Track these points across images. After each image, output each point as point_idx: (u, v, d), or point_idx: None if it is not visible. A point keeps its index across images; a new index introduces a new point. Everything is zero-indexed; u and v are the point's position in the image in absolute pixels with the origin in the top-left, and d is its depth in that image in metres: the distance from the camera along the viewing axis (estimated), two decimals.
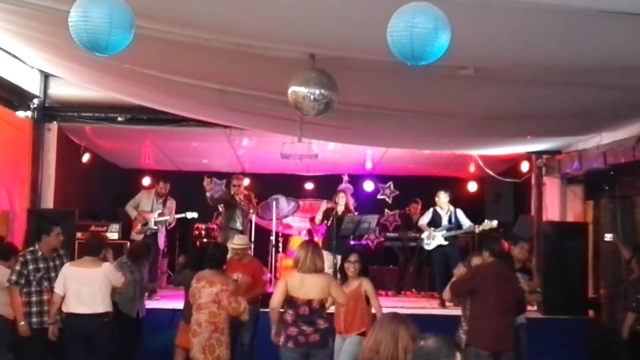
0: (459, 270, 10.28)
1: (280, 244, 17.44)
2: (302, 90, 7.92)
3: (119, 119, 14.85)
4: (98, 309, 10.09)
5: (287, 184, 19.28)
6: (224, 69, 9.57)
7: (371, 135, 13.74)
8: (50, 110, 14.86)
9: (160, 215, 15.69)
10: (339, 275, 11.27)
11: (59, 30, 7.11)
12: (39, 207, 14.55)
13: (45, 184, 14.87)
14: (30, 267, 10.44)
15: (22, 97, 14.12)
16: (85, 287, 10.05)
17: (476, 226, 15.32)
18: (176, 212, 16.10)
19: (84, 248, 10.45)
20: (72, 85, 14.33)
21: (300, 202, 19.21)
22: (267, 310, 11.09)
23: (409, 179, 19.88)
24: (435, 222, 15.67)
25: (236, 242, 11.66)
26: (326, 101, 7.99)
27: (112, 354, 10.39)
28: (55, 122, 15.03)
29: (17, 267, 10.42)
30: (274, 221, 16.59)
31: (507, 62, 7.82)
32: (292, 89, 7.99)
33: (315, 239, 16.11)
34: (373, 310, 10.22)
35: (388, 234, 18.70)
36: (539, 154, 15.66)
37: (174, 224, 16.32)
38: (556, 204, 15.85)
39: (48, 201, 14.86)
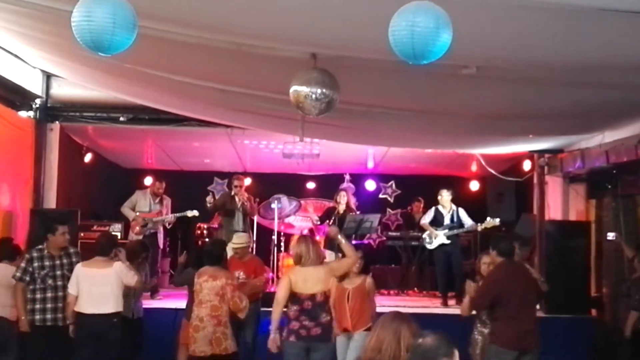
0: (470, 286, 10.16)
1: (282, 243, 17.43)
2: (304, 89, 7.92)
3: (121, 118, 14.85)
4: (108, 309, 10.11)
5: (289, 183, 19.29)
6: (225, 68, 9.57)
7: (373, 134, 13.73)
8: (52, 110, 14.86)
9: (158, 214, 15.64)
10: None
11: (61, 30, 7.11)
12: (41, 207, 14.56)
13: (47, 184, 14.87)
14: (35, 264, 10.53)
15: (25, 97, 14.12)
16: (96, 288, 10.06)
17: (478, 224, 15.31)
18: (172, 210, 16.04)
19: (95, 248, 10.43)
20: (74, 85, 14.33)
21: (302, 202, 19.21)
22: (267, 309, 11.17)
23: (411, 178, 19.91)
24: (437, 221, 15.64)
25: (235, 241, 11.67)
26: (328, 100, 7.99)
27: (118, 354, 10.39)
28: (57, 122, 15.05)
29: (23, 264, 10.54)
30: (276, 220, 16.60)
31: (509, 61, 7.81)
32: (294, 88, 7.99)
33: (317, 238, 16.13)
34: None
35: (390, 233, 18.74)
36: (541, 152, 15.64)
37: (174, 222, 16.24)
38: (558, 202, 15.84)
39: (50, 201, 14.87)
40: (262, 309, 11.71)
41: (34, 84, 14.18)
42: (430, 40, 5.06)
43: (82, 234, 14.44)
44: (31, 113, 14.49)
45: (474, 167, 18.13)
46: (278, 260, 16.71)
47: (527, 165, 16.57)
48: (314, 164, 17.73)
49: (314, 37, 7.56)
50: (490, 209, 19.03)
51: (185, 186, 18.69)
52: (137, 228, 15.26)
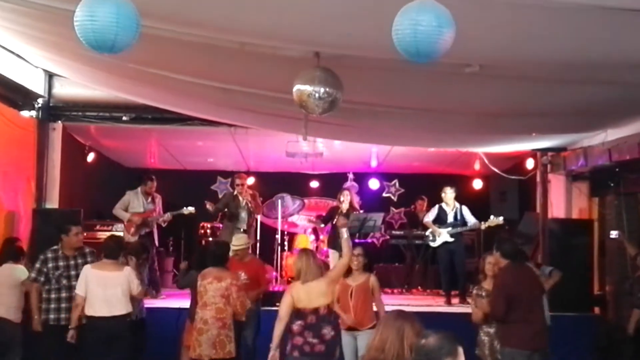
0: (482, 303, 10.08)
1: (285, 243, 17.43)
2: (307, 88, 7.92)
3: (124, 118, 14.83)
4: (121, 311, 10.12)
5: (292, 183, 19.31)
6: (228, 67, 9.57)
7: (376, 133, 13.73)
8: (54, 110, 14.84)
9: (153, 213, 15.49)
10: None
11: (63, 29, 7.12)
12: (44, 206, 14.56)
13: (50, 184, 14.85)
14: (50, 265, 10.60)
15: (27, 97, 14.11)
16: (109, 290, 10.05)
17: (482, 223, 15.29)
18: (168, 208, 15.92)
19: (103, 250, 10.42)
20: (76, 85, 14.32)
21: (306, 201, 19.22)
22: (267, 308, 11.17)
23: (414, 176, 19.90)
24: (440, 219, 15.63)
25: (235, 242, 11.62)
26: (331, 99, 7.99)
27: (127, 355, 10.41)
28: (59, 121, 15.03)
29: (37, 265, 10.61)
30: (280, 220, 16.60)
31: (512, 59, 7.81)
32: (297, 87, 7.98)
33: (321, 237, 16.13)
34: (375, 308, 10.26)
35: (394, 232, 18.76)
36: (544, 151, 15.62)
37: (170, 220, 16.05)
38: (561, 201, 15.83)
39: (53, 201, 14.85)
40: (263, 308, 11.73)
41: (36, 84, 14.17)
42: (433, 38, 5.06)
43: (85, 234, 14.43)
44: (33, 113, 14.48)
45: (477, 166, 18.11)
46: (281, 259, 16.72)
47: (530, 163, 16.55)
48: (318, 163, 17.76)
49: (317, 36, 7.56)
50: (493, 208, 19.03)
51: (189, 185, 18.70)
52: (133, 229, 14.99)
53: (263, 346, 10.43)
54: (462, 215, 15.50)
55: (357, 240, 15.33)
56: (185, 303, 11.42)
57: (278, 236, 16.54)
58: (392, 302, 13.59)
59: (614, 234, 13.83)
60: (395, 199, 19.90)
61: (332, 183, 19.36)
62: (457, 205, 15.63)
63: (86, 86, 14.14)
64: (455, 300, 14.92)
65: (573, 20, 6.43)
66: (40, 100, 14.46)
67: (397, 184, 19.95)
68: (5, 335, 10.92)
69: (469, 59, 7.86)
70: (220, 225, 17.17)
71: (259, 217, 16.49)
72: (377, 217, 15.69)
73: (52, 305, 10.53)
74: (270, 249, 16.49)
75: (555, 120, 11.62)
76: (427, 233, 15.84)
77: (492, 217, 15.27)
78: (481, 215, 15.59)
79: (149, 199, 15.45)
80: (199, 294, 9.92)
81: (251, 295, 10.80)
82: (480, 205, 17.86)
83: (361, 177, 20.01)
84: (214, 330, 9.70)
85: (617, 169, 13.50)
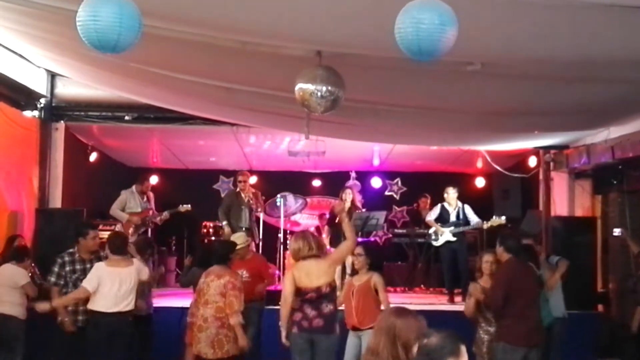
0: (475, 288, 10.12)
1: (288, 241, 17.42)
2: (309, 87, 7.93)
3: (126, 117, 14.85)
4: (128, 307, 10.09)
5: (295, 181, 19.31)
6: (230, 67, 9.57)
7: (378, 131, 13.73)
8: (57, 110, 14.87)
9: (149, 211, 15.43)
10: (347, 270, 11.21)
11: (66, 29, 7.13)
12: (46, 206, 14.58)
13: (52, 184, 14.87)
14: (67, 268, 10.53)
15: (29, 97, 14.13)
16: (123, 286, 10.04)
17: (484, 222, 15.29)
18: (165, 206, 15.88)
19: (110, 247, 10.37)
20: (78, 85, 14.34)
21: (308, 199, 19.21)
22: (270, 307, 11.17)
23: (417, 175, 19.92)
24: (442, 218, 15.63)
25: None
26: (333, 98, 7.99)
27: (129, 350, 10.42)
28: (62, 121, 15.05)
29: (56, 269, 10.52)
30: (282, 218, 16.59)
31: (514, 57, 7.81)
32: (299, 86, 7.99)
33: (324, 236, 16.12)
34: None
35: (396, 231, 18.76)
36: (547, 148, 15.62)
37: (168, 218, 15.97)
38: (564, 198, 15.83)
39: (56, 201, 14.88)
40: (267, 307, 11.72)
41: (38, 84, 14.20)
42: (435, 36, 5.07)
43: None
44: (36, 113, 14.50)
45: (479, 164, 18.13)
46: (284, 258, 16.72)
47: (532, 161, 16.55)
48: (320, 161, 17.77)
49: (319, 35, 7.56)
50: (496, 206, 19.03)
51: (191, 184, 18.71)
52: (132, 229, 14.71)
53: (265, 343, 10.45)
54: (464, 214, 15.49)
55: (359, 239, 15.33)
56: (188, 302, 11.41)
57: (281, 235, 16.52)
58: (395, 300, 13.53)
59: (617, 231, 13.82)
60: (397, 197, 19.94)
61: (335, 182, 19.37)
62: (460, 204, 15.63)
63: (88, 86, 14.16)
64: (458, 299, 14.90)
65: (575, 18, 6.43)
66: (42, 100, 14.49)
67: (399, 183, 19.98)
68: (9, 331, 10.93)
69: (471, 57, 7.85)
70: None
71: (261, 216, 16.48)
72: (380, 216, 15.69)
73: (70, 308, 10.44)
74: (273, 248, 16.48)
75: (557, 118, 11.61)
76: (430, 232, 15.85)
77: (494, 217, 15.26)
78: (484, 213, 15.60)
79: (145, 198, 15.41)
80: (202, 291, 9.92)
81: (256, 291, 10.82)
82: (483, 203, 17.86)
83: (363, 176, 20.04)
84: (213, 330, 9.69)
85: (620, 167, 13.50)
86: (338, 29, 7.20)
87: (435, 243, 15.72)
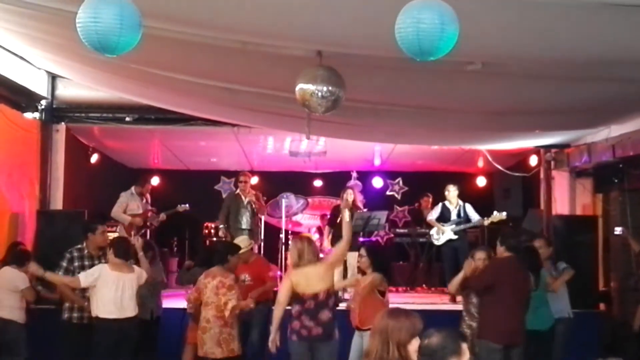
0: (468, 265, 10.19)
1: (289, 242, 17.40)
2: (310, 87, 7.93)
3: (127, 119, 14.85)
4: (132, 313, 10.10)
5: (296, 182, 19.32)
6: (231, 67, 9.58)
7: (379, 131, 13.73)
8: (57, 112, 14.87)
9: (150, 212, 15.43)
10: (349, 272, 11.16)
11: (66, 31, 7.13)
12: (48, 208, 14.57)
13: (54, 185, 14.88)
14: (76, 264, 10.50)
15: (30, 99, 14.13)
16: (125, 292, 10.03)
17: (485, 219, 15.31)
18: (155, 206, 15.88)
19: (115, 252, 10.34)
20: (79, 86, 14.34)
21: (310, 200, 19.22)
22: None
23: (418, 174, 19.91)
24: (444, 217, 15.65)
25: None
26: (334, 98, 7.99)
27: (134, 355, 10.43)
28: (63, 123, 15.04)
29: (64, 264, 10.48)
30: (283, 219, 16.59)
31: (514, 56, 7.81)
32: (300, 86, 7.99)
33: (324, 237, 16.12)
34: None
35: (398, 230, 18.75)
36: (548, 147, 15.62)
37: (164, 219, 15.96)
38: (565, 197, 15.83)
39: (57, 202, 14.88)
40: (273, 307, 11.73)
41: (39, 85, 14.19)
42: (435, 36, 5.07)
43: None
44: (37, 114, 14.51)
45: (480, 163, 18.13)
46: (286, 258, 16.70)
47: (533, 160, 16.55)
48: (321, 161, 17.79)
49: (319, 35, 7.56)
50: (497, 205, 18.97)
51: (192, 185, 18.71)
52: (133, 231, 14.62)
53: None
54: (465, 212, 15.52)
55: (361, 239, 15.34)
56: None
57: (282, 235, 16.52)
58: (397, 300, 13.53)
59: (618, 230, 13.81)
60: (399, 197, 19.91)
61: (336, 182, 19.36)
62: (461, 202, 15.66)
63: (89, 87, 14.17)
64: (460, 298, 14.88)
65: (575, 17, 6.43)
66: (43, 102, 14.49)
67: (400, 182, 19.95)
68: (9, 335, 10.93)
69: (471, 56, 7.85)
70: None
71: (262, 218, 16.47)
72: (381, 216, 15.67)
73: (76, 304, 10.51)
74: (275, 249, 16.47)
75: (558, 117, 11.61)
76: (432, 231, 15.86)
77: (495, 212, 15.28)
78: (485, 213, 15.59)
79: (144, 200, 15.41)
80: (198, 291, 10.02)
81: (254, 294, 10.80)
82: (484, 202, 17.84)
83: (365, 176, 20.02)
84: (216, 329, 9.77)
85: (620, 165, 13.50)
86: (339, 29, 7.21)
87: (436, 242, 15.75)
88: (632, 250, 13.16)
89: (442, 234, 15.52)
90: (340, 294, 14.03)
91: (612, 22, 6.52)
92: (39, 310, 11.75)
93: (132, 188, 15.24)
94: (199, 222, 18.39)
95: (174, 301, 13.74)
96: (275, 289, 12.13)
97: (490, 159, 16.30)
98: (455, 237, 15.39)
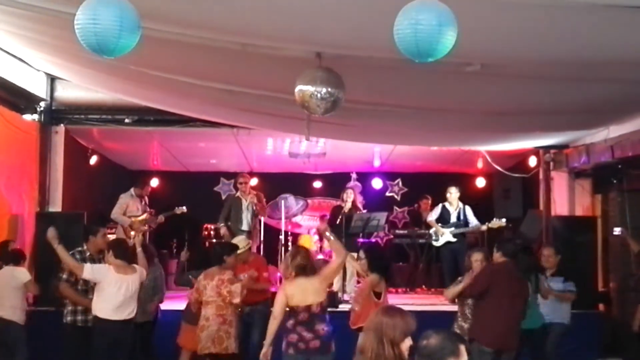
0: (471, 275, 10.20)
1: (289, 243, 17.41)
2: (309, 88, 7.92)
3: (126, 120, 14.85)
4: (130, 315, 10.13)
5: (296, 183, 19.33)
6: (230, 68, 9.57)
7: (379, 132, 13.73)
8: (57, 113, 14.87)
9: (149, 214, 15.44)
10: (348, 274, 11.12)
11: (65, 32, 7.12)
12: (47, 210, 14.58)
13: (53, 187, 14.88)
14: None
15: (29, 101, 14.13)
16: (127, 294, 10.05)
17: (485, 224, 15.32)
18: (153, 208, 15.89)
19: (113, 250, 10.35)
20: (78, 88, 14.35)
21: (309, 201, 19.23)
22: None
23: (417, 175, 19.93)
24: (443, 218, 15.67)
25: None
26: (333, 99, 7.98)
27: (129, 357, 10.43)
28: (62, 124, 15.06)
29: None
30: (283, 220, 16.60)
31: (513, 58, 7.81)
32: (299, 87, 7.98)
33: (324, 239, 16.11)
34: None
35: (397, 231, 18.76)
36: (547, 148, 15.62)
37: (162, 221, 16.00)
38: (564, 198, 15.83)
39: (56, 204, 14.88)
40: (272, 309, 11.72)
41: (38, 87, 14.19)
42: (433, 38, 5.07)
43: None
44: (36, 116, 14.51)
45: (480, 164, 18.13)
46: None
47: (532, 161, 16.55)
48: (321, 163, 17.79)
49: (318, 36, 7.56)
50: (497, 206, 19.03)
51: (192, 187, 18.72)
52: (132, 234, 14.71)
53: (273, 345, 10.44)
54: (465, 215, 15.55)
55: (360, 240, 15.35)
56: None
57: (282, 237, 16.52)
58: (396, 301, 13.51)
59: (617, 230, 13.82)
60: (398, 198, 19.95)
61: (335, 183, 19.37)
62: (461, 205, 15.68)
63: (88, 89, 14.18)
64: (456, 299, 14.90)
65: (574, 18, 6.43)
66: (42, 104, 14.49)
67: (400, 183, 19.99)
68: (10, 336, 10.94)
69: (470, 58, 7.86)
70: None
71: (262, 219, 16.46)
72: (381, 217, 15.68)
73: (80, 308, 10.45)
74: (274, 250, 16.48)
75: (557, 117, 11.62)
76: (431, 232, 15.87)
77: (495, 219, 15.29)
78: (485, 214, 15.64)
79: (143, 202, 15.42)
80: (197, 291, 10.07)
81: (252, 286, 10.78)
82: (483, 203, 17.88)
83: (364, 177, 20.04)
84: (215, 326, 9.85)
85: (619, 166, 13.49)
86: (338, 31, 7.21)
87: (435, 243, 15.78)
88: (632, 250, 13.18)
89: (441, 236, 15.55)
90: (340, 294, 14.07)
91: (611, 23, 6.52)
92: (39, 312, 11.76)
93: (132, 190, 15.29)
94: (199, 224, 18.39)
95: (172, 303, 13.75)
96: (274, 289, 12.15)
97: (489, 159, 16.30)
98: (454, 239, 15.40)
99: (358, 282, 14.35)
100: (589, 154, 13.86)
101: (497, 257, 9.92)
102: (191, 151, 18.41)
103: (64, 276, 10.47)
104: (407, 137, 14.39)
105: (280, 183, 18.62)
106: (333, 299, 12.85)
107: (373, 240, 17.29)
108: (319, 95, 7.89)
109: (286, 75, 8.28)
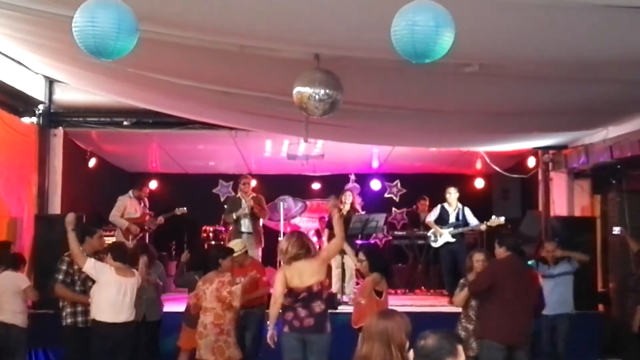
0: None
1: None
2: (307, 90, 7.92)
3: (125, 123, 14.86)
4: (129, 317, 10.13)
5: (294, 185, 19.31)
6: (228, 70, 9.57)
7: (377, 134, 13.73)
8: (55, 116, 14.88)
9: (148, 216, 15.44)
10: (347, 274, 11.10)
11: (63, 35, 7.11)
12: (46, 212, 14.57)
13: (51, 190, 14.88)
14: (76, 267, 10.41)
15: (27, 103, 14.14)
16: (126, 297, 10.05)
17: (484, 223, 15.30)
18: (153, 210, 15.88)
19: (112, 253, 10.34)
20: (77, 90, 14.36)
21: (308, 203, 19.22)
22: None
23: (416, 177, 19.91)
24: (442, 219, 15.65)
25: None
26: (331, 101, 7.98)
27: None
28: (60, 127, 15.07)
29: (64, 267, 10.44)
30: (282, 222, 16.59)
31: (511, 58, 7.82)
32: (297, 89, 7.98)
33: (324, 239, 16.11)
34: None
35: (396, 233, 18.73)
36: (546, 149, 15.63)
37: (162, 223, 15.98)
38: (563, 198, 15.84)
39: (55, 206, 14.87)
40: (267, 311, 11.72)
41: (36, 90, 14.19)
42: (430, 39, 5.06)
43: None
44: (34, 119, 14.52)
45: (478, 165, 18.12)
46: None
47: (531, 162, 16.55)
48: (319, 164, 17.77)
49: (316, 38, 7.56)
50: (496, 206, 19.02)
51: (190, 189, 18.71)
52: (131, 235, 14.86)
53: (264, 349, 10.43)
54: (464, 216, 15.52)
55: (359, 242, 15.34)
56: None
57: (281, 238, 16.50)
58: (396, 302, 13.52)
59: (616, 230, 13.82)
60: (397, 199, 19.92)
61: (334, 184, 19.30)
62: (460, 206, 15.66)
63: (87, 91, 14.19)
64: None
65: (573, 18, 6.43)
66: (41, 107, 14.50)
67: (398, 185, 19.96)
68: (11, 340, 10.93)
69: (468, 58, 7.86)
70: (223, 229, 17.19)
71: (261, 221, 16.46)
72: (379, 218, 15.67)
73: (80, 308, 10.40)
74: (273, 252, 16.44)
75: (555, 118, 11.63)
76: (429, 233, 15.86)
77: (493, 217, 15.28)
78: (484, 215, 15.60)
79: (142, 204, 15.41)
80: (196, 296, 10.05)
81: (249, 296, 10.76)
82: (482, 204, 17.88)
83: (363, 178, 20.02)
84: (212, 337, 9.78)
85: (618, 166, 13.52)
86: (336, 32, 7.21)
87: (434, 244, 15.75)
88: (631, 250, 13.18)
89: (440, 237, 15.52)
90: (339, 296, 14.06)
91: (610, 24, 6.52)
92: (38, 315, 11.76)
93: (130, 192, 15.28)
94: (198, 226, 18.38)
95: (173, 304, 13.75)
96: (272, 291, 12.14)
97: (488, 160, 16.32)
98: (453, 240, 15.39)
99: (357, 283, 14.36)
100: (588, 154, 13.87)
101: (501, 252, 9.89)
102: (189, 153, 18.41)
103: (60, 277, 10.44)
104: (406, 138, 14.39)
105: (279, 185, 18.59)
106: (332, 300, 12.84)
107: (372, 241, 17.28)
108: (317, 96, 7.89)
109: (284, 77, 8.28)
